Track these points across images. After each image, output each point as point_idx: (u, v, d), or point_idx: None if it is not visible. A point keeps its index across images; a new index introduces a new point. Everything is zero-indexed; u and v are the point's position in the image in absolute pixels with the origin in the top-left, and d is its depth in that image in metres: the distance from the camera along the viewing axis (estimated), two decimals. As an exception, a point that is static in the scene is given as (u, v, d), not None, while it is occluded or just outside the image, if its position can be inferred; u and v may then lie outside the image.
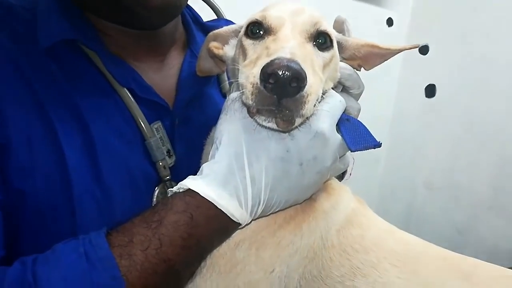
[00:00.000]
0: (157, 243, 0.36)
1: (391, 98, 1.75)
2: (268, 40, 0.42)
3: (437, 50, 1.60)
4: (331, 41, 0.45)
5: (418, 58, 1.63)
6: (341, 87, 0.52)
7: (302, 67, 0.35)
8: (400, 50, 0.52)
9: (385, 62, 0.59)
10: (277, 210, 0.43)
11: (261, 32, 0.43)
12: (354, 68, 0.52)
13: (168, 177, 0.49)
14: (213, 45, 0.51)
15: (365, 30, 1.57)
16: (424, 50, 1.63)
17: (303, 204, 0.47)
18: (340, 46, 0.50)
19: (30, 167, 0.40)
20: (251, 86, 0.36)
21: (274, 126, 0.38)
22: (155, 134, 0.48)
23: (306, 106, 0.36)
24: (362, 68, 0.54)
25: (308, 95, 0.36)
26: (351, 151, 0.45)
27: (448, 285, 0.47)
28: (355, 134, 0.44)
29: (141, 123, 0.47)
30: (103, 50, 0.47)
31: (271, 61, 0.35)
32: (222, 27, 0.55)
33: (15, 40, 0.44)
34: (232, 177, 0.39)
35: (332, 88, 0.51)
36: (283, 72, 0.34)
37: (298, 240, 0.46)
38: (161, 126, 0.50)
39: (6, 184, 0.39)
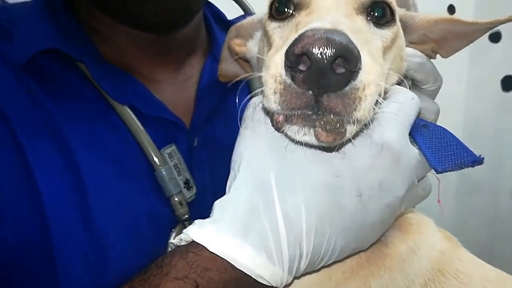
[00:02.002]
0: None
1: (460, 98, 1.55)
2: (300, 16, 0.29)
3: (509, 37, 1.40)
4: (392, 14, 0.31)
5: (489, 47, 1.43)
6: (409, 82, 0.38)
7: (352, 40, 0.23)
8: (492, 24, 0.37)
9: (450, 58, 0.45)
10: (330, 262, 0.29)
11: (290, 11, 0.31)
12: (427, 55, 0.38)
13: (186, 217, 0.37)
14: (235, 42, 0.40)
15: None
16: (495, 38, 1.43)
17: (368, 251, 0.34)
18: (405, 26, 0.36)
19: None
20: (273, 80, 0.24)
21: (314, 140, 0.25)
22: (167, 162, 0.38)
23: (362, 105, 0.24)
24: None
25: (364, 87, 0.23)
26: (437, 172, 0.31)
27: None
28: (440, 147, 0.30)
29: (148, 148, 0.37)
30: (94, 60, 0.37)
31: (300, 35, 0.23)
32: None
33: None
34: (257, 220, 0.27)
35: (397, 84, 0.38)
36: (321, 48, 0.22)
37: None
38: (175, 150, 0.39)
39: None
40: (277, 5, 0.31)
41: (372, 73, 0.24)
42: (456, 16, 0.38)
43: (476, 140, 1.52)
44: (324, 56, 0.22)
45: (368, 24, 0.30)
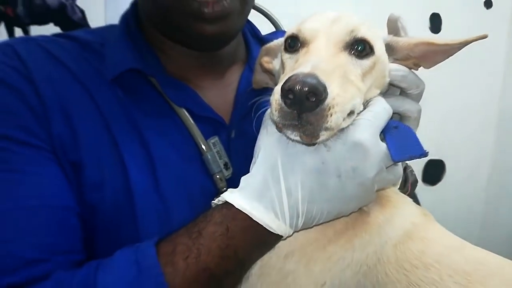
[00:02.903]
0: (196, 252, 0.39)
1: (494, 96, 1.59)
2: (301, 53, 0.42)
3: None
4: (371, 47, 0.43)
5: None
6: (398, 89, 0.49)
7: (321, 80, 0.36)
8: (464, 43, 0.47)
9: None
10: (320, 222, 0.43)
11: (298, 45, 0.43)
12: (410, 68, 0.49)
13: (224, 189, 0.51)
14: (264, 59, 0.53)
15: (460, 14, 1.46)
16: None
17: (354, 218, 0.47)
18: (391, 48, 0.48)
19: (99, 184, 0.47)
20: (275, 102, 0.37)
21: (300, 139, 0.39)
22: (212, 149, 0.52)
23: (330, 119, 0.36)
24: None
25: (330, 107, 0.36)
26: (394, 161, 0.42)
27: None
28: (401, 143, 0.42)
29: (198, 139, 0.51)
30: (162, 75, 0.52)
31: (289, 77, 0.36)
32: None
33: (88, 71, 0.51)
34: (267, 190, 0.40)
35: (387, 92, 0.49)
36: (298, 87, 0.35)
37: (350, 255, 0.46)
38: (218, 140, 0.53)
39: (81, 199, 0.46)
40: (289, 41, 0.44)
41: (337, 98, 0.37)
42: (431, 39, 0.47)
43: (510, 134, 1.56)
44: (301, 92, 0.35)
45: (351, 57, 0.42)
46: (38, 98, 0.47)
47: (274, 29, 0.69)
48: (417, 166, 1.55)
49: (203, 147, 0.51)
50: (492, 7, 1.50)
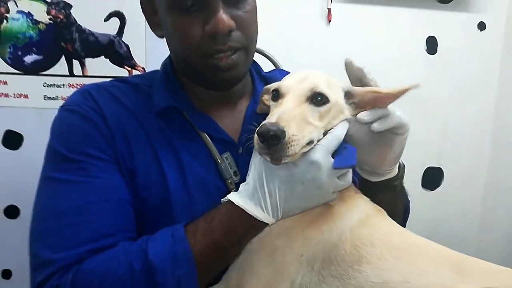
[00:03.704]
0: (210, 230, 0.59)
1: (489, 111, 1.71)
2: (278, 102, 0.62)
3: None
4: (326, 97, 0.61)
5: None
6: None
7: (280, 127, 0.54)
8: (402, 92, 0.61)
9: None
10: (295, 213, 0.62)
11: (278, 96, 0.63)
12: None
13: (234, 190, 0.71)
14: (264, 98, 0.73)
15: (455, 36, 1.60)
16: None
17: (324, 210, 0.65)
18: (350, 94, 0.65)
19: (147, 186, 0.67)
20: (255, 139, 0.56)
21: (271, 161, 0.57)
22: (225, 161, 0.71)
23: (288, 150, 0.55)
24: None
25: (288, 142, 0.54)
26: (334, 168, 0.60)
27: (439, 273, 0.60)
28: (342, 158, 0.61)
29: (215, 154, 0.71)
30: (190, 109, 0.72)
31: (261, 125, 0.55)
32: (277, 76, 0.76)
33: (139, 106, 0.72)
34: (256, 193, 0.59)
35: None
36: (265, 133, 0.54)
37: (320, 236, 0.64)
38: (229, 155, 0.72)
39: (135, 196, 0.67)
40: (274, 92, 0.64)
41: (292, 137, 0.54)
42: (378, 88, 0.63)
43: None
44: (267, 135, 0.53)
45: (311, 106, 0.60)
46: (106, 127, 0.68)
47: (273, 67, 0.89)
48: (417, 173, 1.70)
49: (219, 160, 0.71)
50: (486, 29, 1.62)
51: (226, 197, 0.62)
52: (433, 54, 1.61)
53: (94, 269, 0.58)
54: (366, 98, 0.64)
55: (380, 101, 0.63)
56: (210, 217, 0.61)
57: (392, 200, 0.73)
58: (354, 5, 1.54)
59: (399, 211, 0.79)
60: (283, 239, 0.64)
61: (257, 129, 0.56)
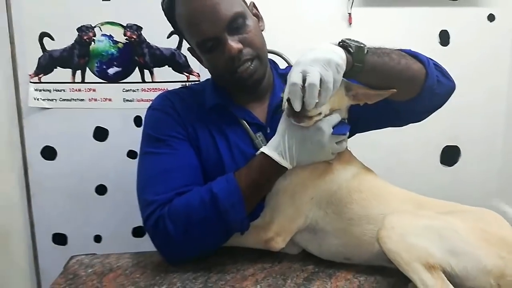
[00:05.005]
0: (250, 173, 0.83)
1: (502, 95, 1.86)
2: None
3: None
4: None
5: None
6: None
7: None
8: (386, 94, 0.83)
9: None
10: (306, 163, 0.84)
11: None
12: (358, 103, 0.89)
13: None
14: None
15: (466, 28, 1.77)
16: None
17: (327, 167, 0.87)
18: (348, 87, 0.85)
19: (208, 157, 0.98)
20: (286, 103, 0.75)
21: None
22: (258, 138, 1.00)
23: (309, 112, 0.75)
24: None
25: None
26: (333, 134, 0.83)
27: (404, 208, 0.87)
28: (339, 129, 0.85)
29: (251, 134, 1.00)
30: (232, 104, 1.02)
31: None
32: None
33: (198, 104, 1.03)
34: (279, 146, 0.81)
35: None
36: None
37: (324, 185, 0.86)
38: (261, 134, 1.01)
39: (200, 162, 0.99)
40: None
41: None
42: (369, 89, 0.84)
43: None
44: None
45: None
46: (180, 118, 1.00)
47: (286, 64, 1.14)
48: (437, 150, 1.89)
49: (253, 138, 1.00)
50: (495, 20, 1.77)
51: (259, 150, 0.86)
52: (446, 46, 1.76)
53: (181, 203, 0.85)
54: (360, 93, 0.86)
55: (372, 97, 0.86)
56: (249, 164, 0.86)
57: (380, 72, 0.82)
58: (372, 8, 1.74)
59: (403, 68, 0.84)
60: (300, 187, 0.87)
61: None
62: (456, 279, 0.71)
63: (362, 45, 0.79)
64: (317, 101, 0.72)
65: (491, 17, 1.78)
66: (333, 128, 0.84)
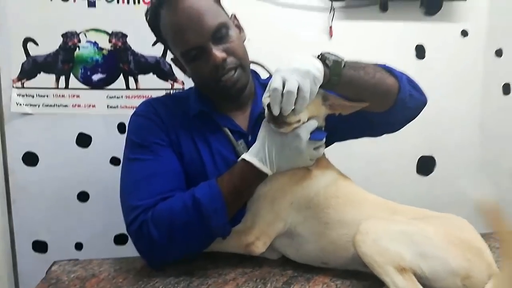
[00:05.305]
0: (230, 178, 0.86)
1: (476, 105, 1.95)
2: None
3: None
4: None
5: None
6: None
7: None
8: (360, 106, 0.89)
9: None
10: (285, 169, 0.88)
11: None
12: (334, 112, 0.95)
13: None
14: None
15: (440, 43, 1.85)
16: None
17: (306, 173, 0.92)
18: (326, 98, 0.89)
19: (190, 162, 1.01)
20: (267, 110, 0.79)
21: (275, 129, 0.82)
22: (240, 145, 1.03)
23: (288, 118, 0.79)
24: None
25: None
26: (310, 140, 0.86)
27: (379, 214, 0.91)
28: (316, 135, 0.89)
29: (233, 141, 1.03)
30: (215, 112, 1.05)
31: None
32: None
33: (182, 112, 1.05)
34: (259, 153, 0.85)
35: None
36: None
37: (301, 190, 0.90)
38: (243, 141, 1.04)
39: (184, 170, 1.01)
40: None
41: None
42: (344, 100, 0.90)
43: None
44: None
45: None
46: (163, 124, 1.02)
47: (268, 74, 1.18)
48: (413, 160, 1.96)
49: (235, 145, 1.03)
50: (468, 35, 1.86)
51: (241, 157, 0.89)
52: (422, 59, 1.84)
53: (164, 208, 0.87)
54: (335, 104, 0.90)
55: (344, 109, 0.91)
56: (231, 170, 0.89)
57: (356, 85, 0.87)
58: (353, 22, 1.81)
59: (377, 82, 0.89)
60: (280, 192, 0.90)
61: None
62: (426, 281, 0.75)
63: (340, 60, 0.83)
64: (293, 108, 0.76)
65: (464, 33, 1.88)
66: (310, 134, 0.88)
